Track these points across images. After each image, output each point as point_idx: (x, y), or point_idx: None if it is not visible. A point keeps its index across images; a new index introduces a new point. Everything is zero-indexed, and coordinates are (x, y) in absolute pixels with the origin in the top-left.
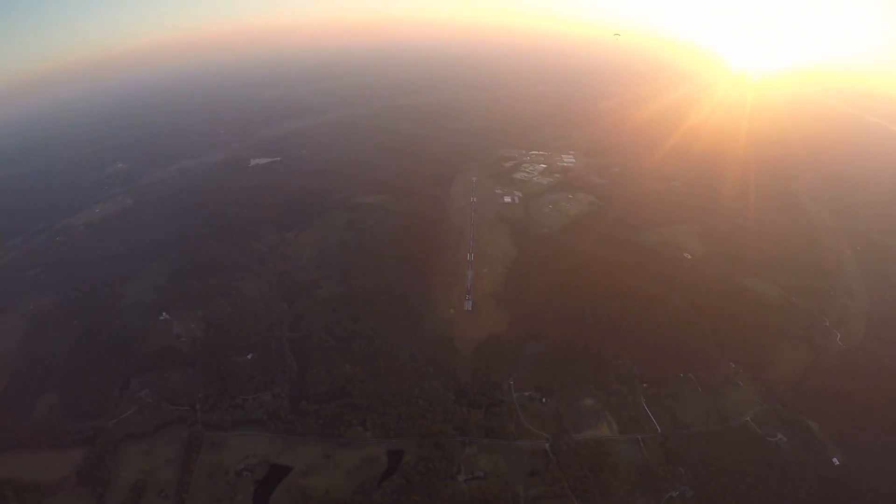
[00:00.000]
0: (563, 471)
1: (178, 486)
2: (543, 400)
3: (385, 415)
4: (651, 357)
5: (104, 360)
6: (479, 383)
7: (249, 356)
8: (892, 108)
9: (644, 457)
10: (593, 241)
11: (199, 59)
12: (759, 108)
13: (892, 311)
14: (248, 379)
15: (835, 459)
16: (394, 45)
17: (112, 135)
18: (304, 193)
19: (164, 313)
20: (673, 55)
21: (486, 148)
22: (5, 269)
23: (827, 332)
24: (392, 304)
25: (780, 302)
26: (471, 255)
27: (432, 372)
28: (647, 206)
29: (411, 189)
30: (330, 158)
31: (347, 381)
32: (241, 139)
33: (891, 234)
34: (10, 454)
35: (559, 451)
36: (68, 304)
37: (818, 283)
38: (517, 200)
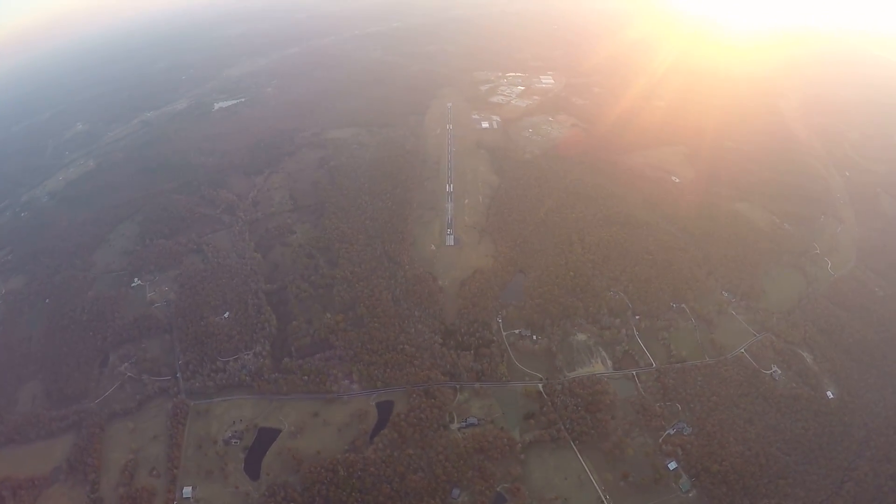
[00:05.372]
0: (559, 412)
1: (168, 462)
2: (534, 337)
3: (371, 365)
4: (643, 287)
5: (80, 337)
6: (467, 323)
7: (226, 315)
8: None
9: (640, 393)
10: (577, 166)
11: (155, 4)
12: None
13: (881, 240)
14: (227, 339)
15: (829, 393)
16: None
17: (70, 96)
18: (271, 134)
19: (135, 279)
20: None
21: (460, 71)
22: None
23: (818, 259)
24: (370, 245)
25: (771, 228)
26: (450, 185)
27: (417, 315)
28: (632, 127)
29: (384, 119)
30: (297, 93)
31: (330, 332)
32: (203, 83)
33: (878, 161)
34: (1, 451)
35: (553, 391)
36: (39, 283)
37: (808, 209)
38: (495, 125)
